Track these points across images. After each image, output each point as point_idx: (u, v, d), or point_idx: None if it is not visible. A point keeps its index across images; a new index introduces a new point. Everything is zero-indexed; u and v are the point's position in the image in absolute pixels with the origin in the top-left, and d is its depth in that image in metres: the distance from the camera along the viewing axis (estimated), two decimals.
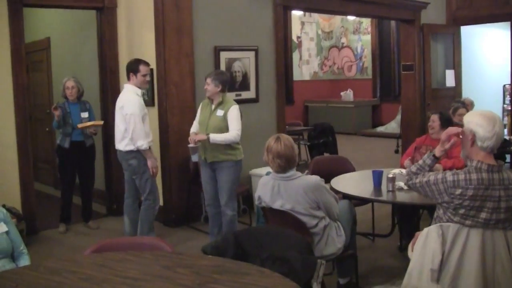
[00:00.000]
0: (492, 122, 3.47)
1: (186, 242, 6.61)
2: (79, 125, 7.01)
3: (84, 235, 7.13)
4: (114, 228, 7.37)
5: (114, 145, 7.65)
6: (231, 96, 6.91)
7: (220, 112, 6.01)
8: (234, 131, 5.96)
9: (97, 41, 7.93)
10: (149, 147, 6.20)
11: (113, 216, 7.85)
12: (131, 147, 6.10)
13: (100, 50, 7.90)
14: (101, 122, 7.33)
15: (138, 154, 6.12)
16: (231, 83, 7.09)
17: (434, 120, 6.28)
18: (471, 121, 3.54)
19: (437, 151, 3.85)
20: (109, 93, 7.78)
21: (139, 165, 6.17)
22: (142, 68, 6.14)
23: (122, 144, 6.18)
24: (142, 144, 6.04)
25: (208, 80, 6.00)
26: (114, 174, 7.92)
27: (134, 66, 6.16)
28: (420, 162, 3.88)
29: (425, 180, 3.67)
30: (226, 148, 6.01)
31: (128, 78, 6.21)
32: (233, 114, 5.99)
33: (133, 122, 5.98)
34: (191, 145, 6.03)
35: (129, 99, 6.08)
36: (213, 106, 6.07)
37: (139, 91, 6.17)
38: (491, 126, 3.46)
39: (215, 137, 5.92)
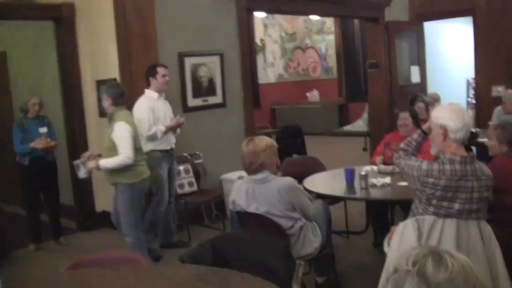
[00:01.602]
0: (460, 113, 3.56)
1: (162, 253, 6.53)
2: (32, 144, 6.77)
3: (56, 252, 6.97)
4: (86, 243, 7.23)
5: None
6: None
7: (110, 130, 5.61)
8: (121, 154, 5.48)
9: (57, 53, 7.77)
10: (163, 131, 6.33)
11: (84, 231, 7.69)
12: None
13: (61, 63, 7.74)
14: (53, 143, 6.94)
15: (147, 156, 6.11)
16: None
17: (406, 118, 6.26)
18: (440, 116, 3.60)
19: (424, 126, 4.00)
20: (73, 105, 7.65)
21: (150, 166, 6.22)
22: (160, 69, 6.40)
23: None
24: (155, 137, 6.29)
25: (102, 96, 5.80)
26: (83, 188, 7.75)
27: (151, 70, 6.43)
28: (409, 138, 3.98)
29: (408, 163, 3.74)
30: (117, 170, 5.62)
31: (148, 84, 6.41)
32: (118, 133, 5.51)
33: (141, 125, 6.11)
34: (75, 161, 5.86)
35: (138, 105, 6.33)
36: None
37: (156, 95, 6.33)
38: (461, 118, 3.53)
39: (104, 164, 5.57)
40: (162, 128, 6.29)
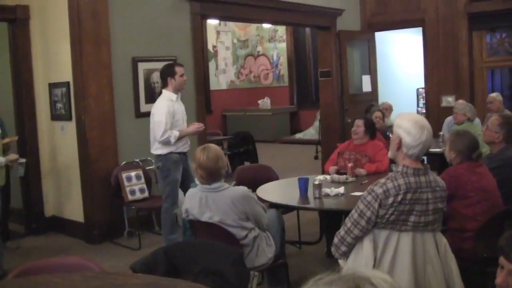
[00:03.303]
0: (420, 130, 3.40)
1: (112, 260, 6.41)
2: None
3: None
4: (34, 247, 7.07)
5: (31, 162, 7.40)
6: None
7: None
8: None
9: (10, 54, 7.63)
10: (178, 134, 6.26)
11: (33, 236, 7.52)
12: (158, 152, 6.26)
13: (14, 64, 7.60)
14: (16, 138, 6.99)
15: (164, 158, 6.24)
16: None
17: (359, 125, 6.26)
18: (401, 125, 3.46)
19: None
20: (24, 107, 7.52)
21: (163, 169, 6.28)
22: (178, 69, 6.35)
23: (152, 148, 6.37)
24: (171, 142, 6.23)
25: None
26: (32, 192, 7.62)
27: (169, 70, 6.37)
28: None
29: (351, 222, 3.48)
30: None
31: (166, 84, 6.36)
32: None
33: (157, 128, 6.15)
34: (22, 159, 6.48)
35: (158, 106, 6.26)
36: None
37: (174, 96, 6.31)
38: (419, 135, 3.39)
39: None
40: (176, 133, 6.21)
